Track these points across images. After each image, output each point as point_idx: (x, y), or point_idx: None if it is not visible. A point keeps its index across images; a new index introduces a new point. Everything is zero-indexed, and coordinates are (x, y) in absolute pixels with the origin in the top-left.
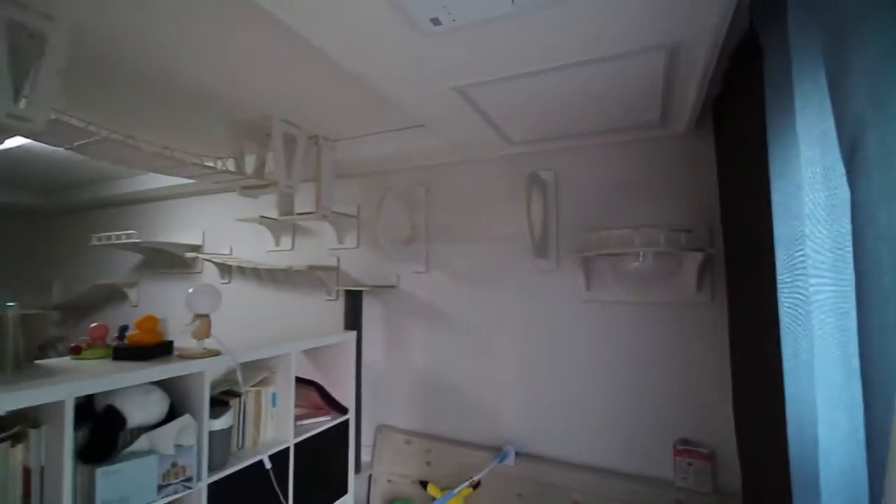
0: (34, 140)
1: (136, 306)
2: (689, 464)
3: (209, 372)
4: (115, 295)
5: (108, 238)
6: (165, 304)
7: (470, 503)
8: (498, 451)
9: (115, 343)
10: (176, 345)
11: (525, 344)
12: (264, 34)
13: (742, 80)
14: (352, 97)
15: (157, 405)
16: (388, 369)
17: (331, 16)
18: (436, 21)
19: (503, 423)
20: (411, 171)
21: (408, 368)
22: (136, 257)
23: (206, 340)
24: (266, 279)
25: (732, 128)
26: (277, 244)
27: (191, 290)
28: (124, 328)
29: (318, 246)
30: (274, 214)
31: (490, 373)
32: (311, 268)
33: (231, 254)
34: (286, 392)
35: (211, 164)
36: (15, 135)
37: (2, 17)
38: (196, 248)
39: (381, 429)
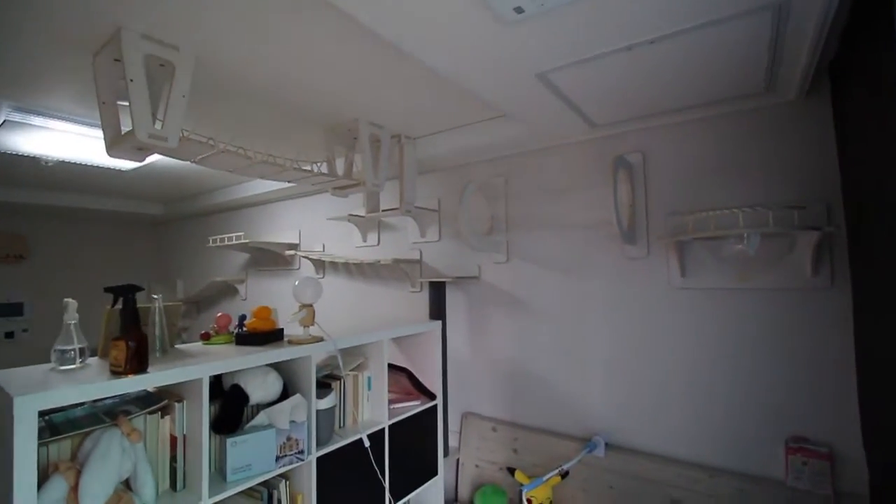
0: (167, 156)
1: (245, 299)
2: (804, 463)
3: (315, 356)
4: (228, 290)
5: (221, 240)
6: (270, 297)
7: (559, 492)
8: (586, 442)
9: (236, 330)
10: (285, 332)
11: (614, 333)
12: (352, 45)
13: (868, 32)
14: (430, 95)
15: (273, 385)
16: (473, 358)
17: (412, 13)
18: (519, 9)
19: (591, 413)
20: (490, 162)
21: (492, 357)
22: (244, 256)
23: (311, 328)
24: (355, 273)
25: (857, 88)
26: (365, 240)
27: (297, 283)
28: (243, 317)
29: (402, 240)
30: (362, 212)
31: (577, 362)
32: (396, 261)
33: (324, 251)
34: (380, 376)
35: (308, 167)
36: (153, 153)
37: (140, 51)
38: (294, 247)
39: (466, 415)
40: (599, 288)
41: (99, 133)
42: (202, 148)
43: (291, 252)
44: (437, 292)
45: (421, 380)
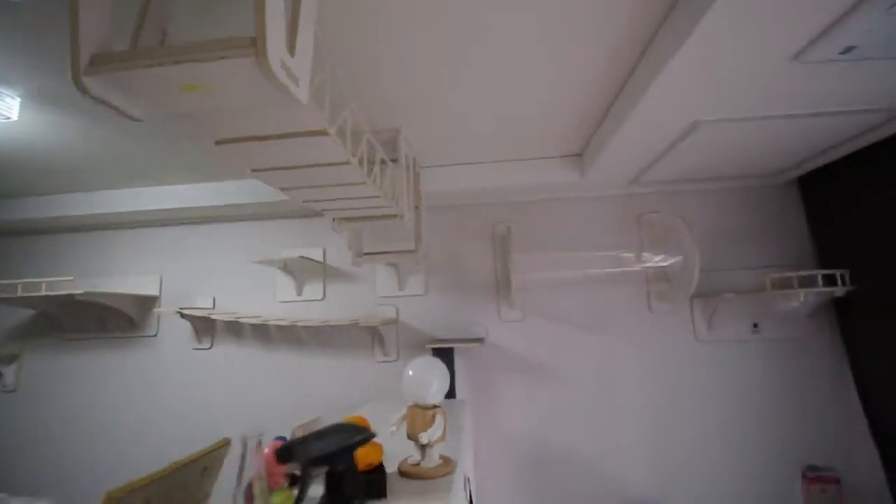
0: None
1: (12, 391)
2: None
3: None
4: None
5: (8, 288)
6: (77, 390)
7: None
8: None
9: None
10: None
11: (644, 393)
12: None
13: None
14: (445, 127)
15: None
16: (481, 438)
17: None
18: None
19: (630, 482)
20: (494, 206)
21: (506, 435)
22: (23, 314)
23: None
24: (277, 339)
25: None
26: (300, 293)
27: (413, 370)
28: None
29: (360, 294)
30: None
31: (607, 429)
32: (363, 322)
33: (214, 307)
34: None
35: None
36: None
37: None
38: (150, 301)
39: None
40: (625, 346)
41: None
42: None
43: (163, 309)
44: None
45: None
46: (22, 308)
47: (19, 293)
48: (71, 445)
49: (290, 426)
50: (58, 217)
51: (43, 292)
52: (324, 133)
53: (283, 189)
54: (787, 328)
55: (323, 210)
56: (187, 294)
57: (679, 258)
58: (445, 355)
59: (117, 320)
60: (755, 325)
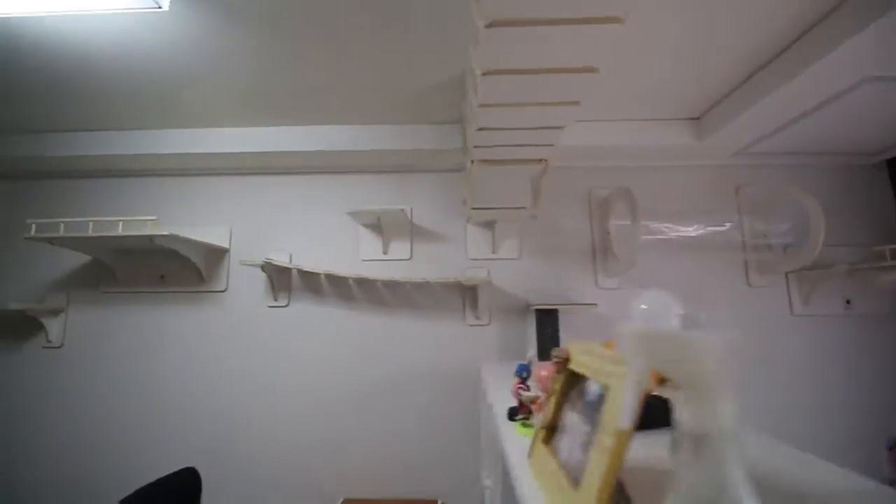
0: None
1: (57, 347)
2: None
3: None
4: (16, 329)
5: (76, 227)
6: (122, 348)
7: None
8: None
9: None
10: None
11: (739, 363)
12: None
13: None
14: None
15: None
16: None
17: None
18: None
19: None
20: (590, 171)
21: None
22: (72, 263)
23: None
24: (360, 299)
25: None
26: (385, 251)
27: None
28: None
29: (450, 255)
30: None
31: None
32: (466, 281)
33: (291, 262)
34: None
35: None
36: None
37: None
38: (219, 253)
39: None
40: (722, 317)
41: None
42: None
43: (258, 260)
44: (547, 324)
45: None
46: (74, 251)
47: (90, 232)
48: (123, 407)
49: (375, 392)
50: (137, 156)
51: (120, 232)
52: (618, 20)
53: (492, 106)
54: (880, 304)
55: (492, 144)
56: (259, 249)
57: (788, 227)
58: (550, 317)
59: (183, 272)
60: (847, 302)
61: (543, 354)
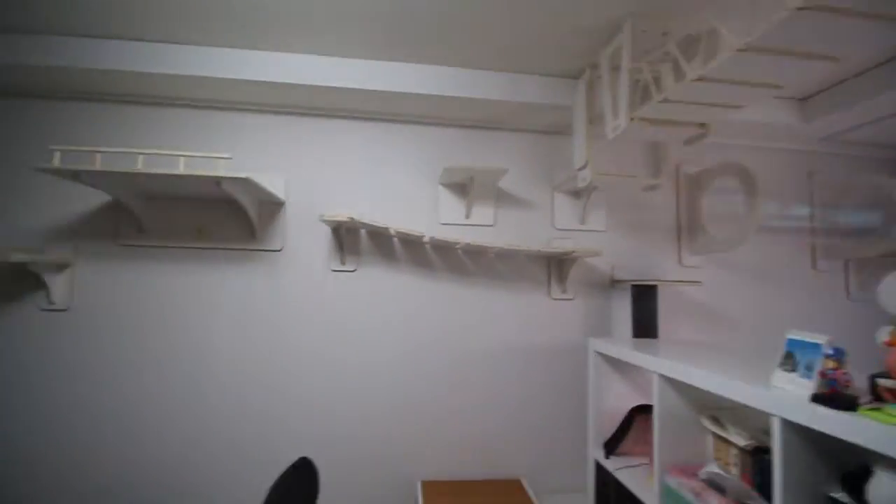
0: None
1: (63, 310)
2: None
3: None
4: (11, 286)
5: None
6: (150, 314)
7: None
8: None
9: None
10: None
11: None
12: None
13: None
14: None
15: None
16: None
17: None
18: None
19: None
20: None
21: None
22: (72, 209)
23: None
24: (437, 267)
25: None
26: (468, 215)
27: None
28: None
29: (534, 224)
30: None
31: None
32: (548, 252)
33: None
34: None
35: None
36: None
37: None
38: (273, 207)
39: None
40: (786, 298)
41: None
42: None
43: (340, 217)
44: (645, 301)
45: None
46: (91, 188)
47: (140, 166)
48: (141, 388)
49: (454, 368)
50: (175, 76)
51: (181, 170)
52: None
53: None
54: None
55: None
56: (320, 204)
57: (867, 214)
58: (648, 294)
59: (227, 226)
60: None
61: (640, 332)
